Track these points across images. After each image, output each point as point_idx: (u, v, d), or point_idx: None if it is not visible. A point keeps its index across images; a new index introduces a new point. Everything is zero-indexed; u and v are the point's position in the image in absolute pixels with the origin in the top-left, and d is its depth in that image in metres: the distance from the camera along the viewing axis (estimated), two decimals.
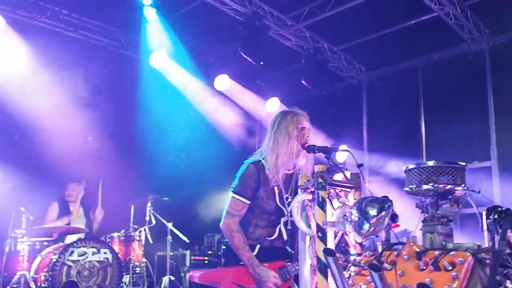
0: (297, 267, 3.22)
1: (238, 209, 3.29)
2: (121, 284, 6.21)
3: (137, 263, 6.72)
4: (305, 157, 3.35)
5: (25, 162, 6.96)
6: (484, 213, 2.35)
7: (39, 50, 7.15)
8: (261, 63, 7.63)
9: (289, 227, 3.39)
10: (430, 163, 2.34)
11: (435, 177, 2.31)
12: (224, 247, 3.43)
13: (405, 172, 2.45)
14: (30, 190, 6.66)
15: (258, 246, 3.30)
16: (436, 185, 2.31)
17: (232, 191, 3.32)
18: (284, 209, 3.37)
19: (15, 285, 5.64)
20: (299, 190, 2.87)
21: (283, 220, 3.39)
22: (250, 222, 3.36)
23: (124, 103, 8.15)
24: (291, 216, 3.21)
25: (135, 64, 8.48)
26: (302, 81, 8.56)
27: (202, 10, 7.58)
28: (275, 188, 3.34)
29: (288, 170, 3.38)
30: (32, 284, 5.66)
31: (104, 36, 8.35)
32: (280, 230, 3.37)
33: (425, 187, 2.33)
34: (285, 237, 3.40)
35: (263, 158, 3.37)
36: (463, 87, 7.85)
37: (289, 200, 3.38)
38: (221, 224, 3.33)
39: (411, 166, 2.40)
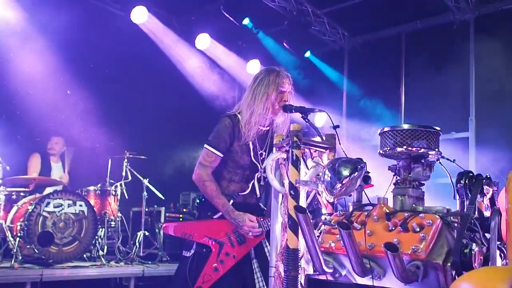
0: (269, 223, 3.26)
1: (210, 161, 3.30)
2: (96, 237, 6.25)
3: (112, 217, 6.74)
4: (282, 116, 3.35)
5: (3, 114, 6.85)
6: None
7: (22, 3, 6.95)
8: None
9: (262, 183, 3.43)
10: (405, 126, 2.35)
11: (409, 140, 2.33)
12: (198, 201, 3.47)
13: (379, 134, 2.46)
14: (8, 141, 6.58)
15: (231, 201, 3.32)
16: (410, 148, 2.33)
17: (206, 143, 3.33)
18: (258, 164, 3.39)
19: None
20: (274, 149, 2.88)
21: (256, 175, 3.41)
22: (224, 176, 3.38)
23: (105, 59, 8.00)
24: (264, 172, 3.23)
25: (117, 20, 8.29)
26: (284, 44, 8.49)
27: None
28: (250, 143, 3.34)
29: (264, 126, 3.38)
30: (8, 233, 5.69)
31: None
32: (253, 186, 3.40)
33: (399, 149, 2.35)
34: (258, 192, 3.43)
35: (239, 113, 3.36)
36: (445, 56, 7.86)
37: (263, 156, 3.40)
38: (193, 175, 3.35)
39: (386, 129, 2.42)
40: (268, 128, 3.42)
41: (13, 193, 6.07)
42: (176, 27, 9.05)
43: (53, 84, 7.35)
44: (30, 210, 5.60)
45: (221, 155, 3.31)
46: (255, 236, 3.30)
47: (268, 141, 3.43)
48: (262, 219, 3.35)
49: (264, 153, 3.40)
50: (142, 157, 7.27)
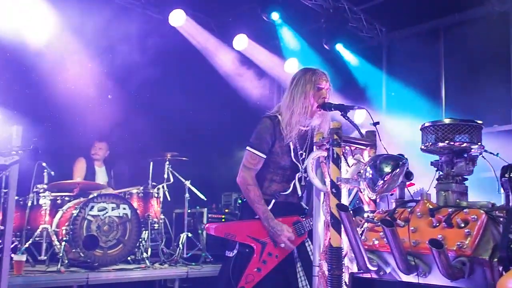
0: (311, 223, 3.27)
1: (254, 163, 3.34)
2: (140, 239, 6.35)
3: (155, 220, 6.84)
4: (321, 116, 3.37)
5: (47, 119, 7.05)
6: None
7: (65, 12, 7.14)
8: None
9: (303, 183, 3.44)
10: (447, 120, 2.32)
11: (451, 135, 2.29)
12: (240, 201, 3.51)
13: (421, 129, 2.44)
14: (53, 147, 6.77)
15: (273, 201, 3.35)
16: (452, 143, 2.30)
17: (248, 145, 3.36)
18: (298, 164, 3.41)
19: (37, 238, 5.82)
20: (314, 147, 2.89)
21: (297, 176, 3.42)
22: (265, 177, 3.40)
23: (145, 62, 8.15)
24: (305, 172, 3.28)
25: (155, 23, 8.43)
26: (323, 44, 8.47)
27: None
28: (290, 143, 3.37)
29: (304, 127, 3.40)
30: (54, 237, 5.83)
31: None
32: (294, 185, 3.42)
33: (440, 144, 2.32)
34: (299, 192, 3.45)
35: (279, 114, 3.38)
36: (486, 49, 7.65)
37: (304, 156, 3.41)
38: (237, 178, 3.38)
39: (427, 124, 2.39)
40: (308, 128, 3.44)
41: (57, 198, 6.22)
42: (213, 29, 9.14)
43: (95, 89, 7.54)
44: (75, 214, 5.73)
45: (264, 156, 3.34)
46: (298, 236, 3.31)
47: (308, 141, 3.45)
48: (304, 218, 3.36)
49: (304, 153, 3.43)
50: (184, 158, 7.34)
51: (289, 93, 3.38)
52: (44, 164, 6.11)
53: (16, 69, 6.76)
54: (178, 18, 8.22)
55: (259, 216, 3.31)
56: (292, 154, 3.38)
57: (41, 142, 6.34)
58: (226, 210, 8.10)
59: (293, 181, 3.43)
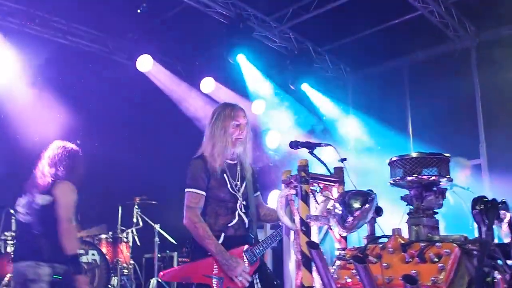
0: (261, 248, 3.35)
1: (195, 202, 3.38)
2: (109, 286, 6.16)
3: (125, 265, 6.68)
4: (243, 144, 3.52)
5: (8, 161, 6.89)
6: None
7: (30, 57, 7.10)
8: None
9: (243, 210, 3.48)
10: (414, 154, 2.32)
11: (419, 168, 2.29)
12: (188, 246, 3.38)
13: (389, 164, 2.43)
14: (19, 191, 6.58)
15: (222, 235, 3.37)
16: (420, 176, 2.29)
17: (186, 187, 3.41)
18: (236, 194, 3.47)
19: (4, 287, 5.60)
20: (282, 185, 2.85)
21: (238, 205, 3.47)
22: (210, 213, 3.43)
23: (112, 107, 8.11)
24: (244, 200, 3.45)
25: (122, 68, 8.44)
26: (290, 85, 8.59)
27: (186, 14, 7.56)
28: (225, 176, 3.45)
29: (231, 160, 3.52)
30: None
31: (93, 42, 8.32)
32: (239, 215, 3.46)
33: (409, 178, 2.31)
34: (245, 221, 3.47)
35: (203, 153, 3.49)
36: (450, 85, 7.84)
37: (238, 186, 3.50)
38: (184, 220, 3.38)
39: (394, 158, 2.38)
40: (236, 161, 3.55)
41: None
42: (181, 72, 9.17)
43: (61, 133, 7.41)
44: None
45: (203, 193, 3.39)
46: (250, 264, 3.29)
47: (239, 172, 3.54)
48: (252, 246, 3.36)
49: (238, 183, 3.51)
50: (153, 202, 7.23)
51: (209, 127, 3.52)
52: (11, 211, 5.93)
53: None
54: (145, 63, 8.22)
55: (211, 252, 3.28)
56: (229, 185, 3.45)
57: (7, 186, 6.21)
58: (187, 249, 7.94)
59: (236, 211, 3.46)
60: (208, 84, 8.93)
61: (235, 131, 3.48)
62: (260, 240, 3.46)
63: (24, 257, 3.78)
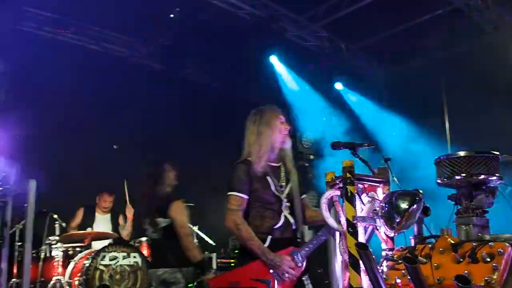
0: (306, 249, 3.27)
1: (238, 204, 3.36)
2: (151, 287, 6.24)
3: None
4: (288, 143, 3.52)
5: (55, 170, 7.09)
6: None
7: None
8: None
9: (289, 212, 3.45)
10: (462, 153, 2.29)
11: (468, 167, 2.27)
12: (236, 251, 3.59)
13: (435, 164, 2.41)
14: (61, 197, 6.79)
15: (269, 238, 3.33)
16: (469, 176, 2.27)
17: (228, 191, 3.40)
18: (281, 196, 3.43)
19: None
20: (326, 187, 2.86)
21: (283, 207, 3.43)
22: (255, 216, 3.41)
23: (146, 111, 8.26)
24: (288, 201, 3.39)
25: (155, 73, 8.58)
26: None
27: (218, 17, 7.62)
28: (268, 178, 3.42)
29: (274, 162, 3.50)
30: None
31: (126, 47, 8.50)
32: (285, 217, 3.42)
33: (457, 178, 2.29)
34: (291, 221, 3.43)
35: (247, 156, 3.48)
36: (488, 78, 7.65)
37: (283, 187, 3.46)
38: (226, 222, 3.38)
39: (441, 157, 2.36)
40: (279, 164, 3.53)
41: (69, 249, 6.18)
42: (214, 75, 9.24)
43: (102, 140, 7.62)
44: (87, 265, 5.66)
45: (246, 196, 3.38)
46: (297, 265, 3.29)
47: (283, 173, 3.52)
48: (299, 248, 3.34)
49: (283, 184, 3.48)
50: (191, 204, 7.28)
51: (253, 129, 3.51)
52: (55, 216, 6.10)
53: None
54: (179, 67, 8.35)
55: (254, 253, 3.28)
56: (272, 187, 3.43)
57: (51, 194, 6.40)
58: (235, 255, 7.98)
59: (282, 213, 3.42)
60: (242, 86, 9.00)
61: (282, 128, 3.49)
62: (307, 241, 3.45)
63: (158, 266, 4.61)
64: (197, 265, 4.47)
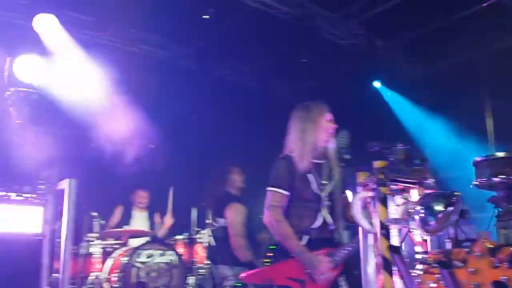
0: (344, 251, 3.22)
1: (278, 200, 3.32)
2: (185, 285, 6.29)
3: (201, 265, 6.78)
4: (333, 142, 3.43)
5: (95, 169, 7.23)
6: None
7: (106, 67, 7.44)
8: None
9: (328, 211, 3.39)
10: (501, 154, 2.22)
11: (507, 168, 2.19)
12: (272, 247, 3.59)
13: (473, 165, 2.34)
14: (100, 195, 6.93)
15: (306, 237, 3.29)
16: (509, 177, 2.19)
17: (268, 186, 3.37)
18: (321, 195, 3.37)
19: (90, 286, 5.92)
20: (359, 187, 2.81)
21: (322, 206, 3.37)
22: (294, 215, 3.36)
23: (184, 111, 8.36)
24: (329, 200, 3.33)
25: (191, 74, 8.66)
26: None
27: (252, 17, 7.60)
28: (310, 176, 3.36)
29: (318, 160, 3.42)
30: (105, 284, 5.91)
31: (162, 49, 8.59)
32: (323, 217, 3.37)
33: (496, 179, 2.21)
34: (329, 221, 3.38)
35: (290, 152, 3.42)
36: None
37: (325, 185, 3.40)
38: (264, 218, 3.35)
39: (479, 159, 2.29)
40: (323, 161, 3.46)
41: (107, 246, 6.31)
42: (250, 75, 9.27)
43: (137, 139, 7.72)
44: (124, 262, 5.78)
45: (287, 193, 3.33)
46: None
47: (326, 170, 3.45)
48: (335, 250, 3.28)
49: (325, 183, 3.41)
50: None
51: (297, 125, 3.45)
52: (94, 214, 6.23)
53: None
54: (214, 67, 8.43)
55: (292, 251, 3.24)
56: (313, 185, 3.37)
57: (89, 192, 6.54)
58: (270, 254, 7.95)
59: (320, 213, 3.37)
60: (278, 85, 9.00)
61: (328, 126, 3.42)
62: (345, 243, 3.37)
63: (217, 262, 5.32)
64: (246, 265, 4.68)
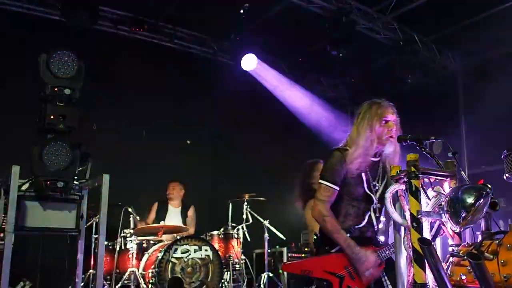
0: (387, 252, 3.19)
1: (328, 195, 3.27)
2: (222, 280, 6.37)
3: (236, 260, 6.87)
4: (393, 145, 3.27)
5: (131, 164, 7.42)
6: None
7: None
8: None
9: (377, 214, 3.33)
10: None
11: None
12: (315, 237, 3.60)
13: (504, 157, 2.34)
14: (135, 190, 7.10)
15: (347, 235, 3.27)
16: None
17: (321, 178, 3.31)
18: (372, 195, 3.31)
19: (126, 281, 6.05)
20: (392, 180, 2.83)
21: (372, 207, 3.33)
22: (340, 211, 3.33)
23: (217, 106, 8.47)
24: (379, 203, 3.24)
25: (227, 69, 8.77)
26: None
27: (288, 11, 7.66)
28: (363, 174, 3.29)
29: (373, 157, 3.32)
30: (141, 280, 6.02)
31: (198, 44, 8.74)
32: (369, 217, 3.32)
33: None
34: (374, 224, 3.34)
35: (349, 147, 3.33)
36: None
37: (377, 187, 3.32)
38: (312, 211, 3.34)
39: (510, 151, 2.29)
40: (378, 159, 3.36)
41: (143, 242, 6.43)
42: (284, 70, 9.32)
43: (169, 134, 7.90)
44: (159, 257, 5.88)
45: (337, 188, 3.27)
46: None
47: (380, 171, 3.36)
48: (379, 248, 3.28)
49: (377, 184, 3.33)
50: (262, 198, 7.38)
51: (355, 127, 3.35)
52: (130, 210, 6.35)
53: None
54: (250, 62, 8.49)
55: (340, 246, 3.22)
56: (365, 185, 3.31)
57: (126, 188, 6.70)
58: (306, 249, 7.99)
59: (368, 213, 3.33)
60: (310, 79, 9.01)
61: (384, 129, 3.25)
62: (390, 243, 3.25)
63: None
64: None
